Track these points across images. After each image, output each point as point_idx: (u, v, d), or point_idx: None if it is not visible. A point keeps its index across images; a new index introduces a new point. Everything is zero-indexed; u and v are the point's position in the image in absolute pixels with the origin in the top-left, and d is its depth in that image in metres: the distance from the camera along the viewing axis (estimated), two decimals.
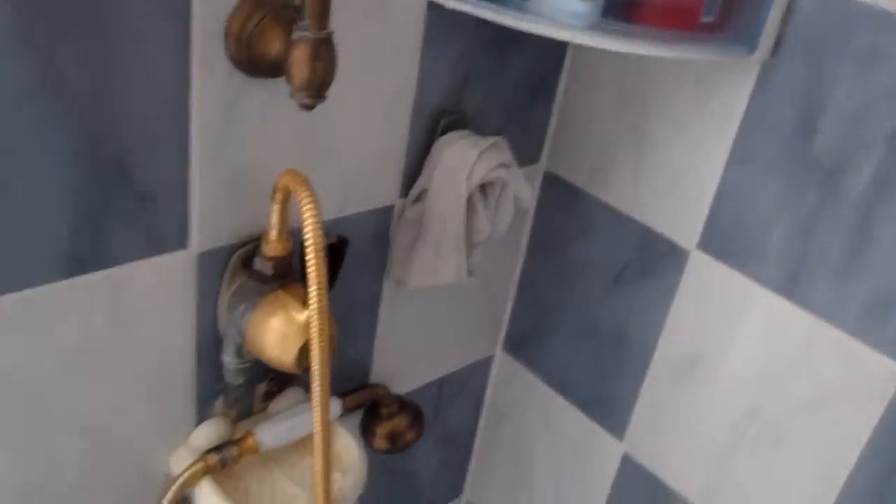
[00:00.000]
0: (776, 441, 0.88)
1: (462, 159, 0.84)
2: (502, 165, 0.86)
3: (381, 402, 0.97)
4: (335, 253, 0.79)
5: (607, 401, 1.05)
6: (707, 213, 0.88)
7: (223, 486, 0.82)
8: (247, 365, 0.80)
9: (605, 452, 1.06)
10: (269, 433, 0.84)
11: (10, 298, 0.65)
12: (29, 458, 0.73)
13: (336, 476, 0.85)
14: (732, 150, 0.85)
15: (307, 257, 0.68)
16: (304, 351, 0.74)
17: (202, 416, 0.85)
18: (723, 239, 0.88)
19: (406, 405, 0.99)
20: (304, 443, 0.90)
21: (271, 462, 0.88)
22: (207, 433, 0.84)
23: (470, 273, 0.89)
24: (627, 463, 1.04)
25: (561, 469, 1.13)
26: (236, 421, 0.88)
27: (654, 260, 0.95)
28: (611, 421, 1.05)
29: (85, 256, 0.67)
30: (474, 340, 1.13)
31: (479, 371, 1.16)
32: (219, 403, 0.85)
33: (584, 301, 1.04)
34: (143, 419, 0.79)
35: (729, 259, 0.88)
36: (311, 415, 0.75)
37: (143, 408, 0.79)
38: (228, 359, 0.79)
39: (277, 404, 0.89)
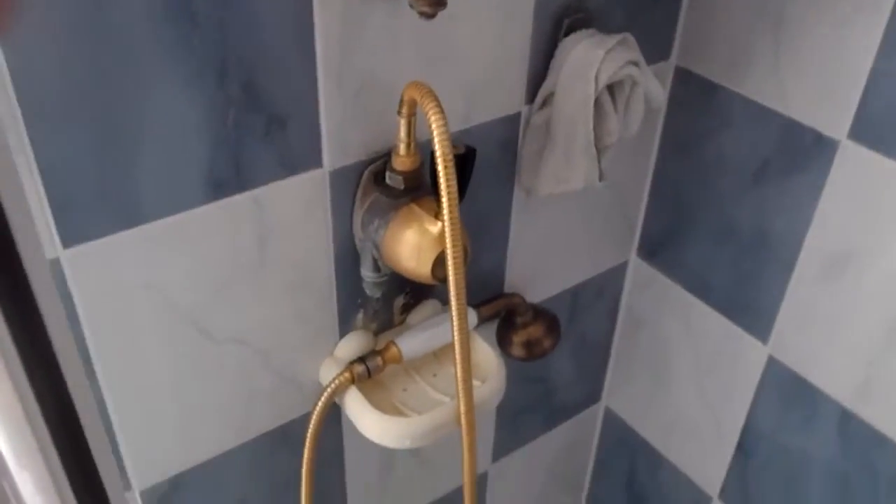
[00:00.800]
0: None
1: (588, 59, 0.81)
2: (631, 63, 0.83)
3: (516, 311, 0.98)
4: (464, 163, 0.78)
5: (750, 303, 1.01)
6: (858, 100, 0.82)
7: (369, 394, 0.85)
8: (384, 278, 0.82)
9: (749, 356, 1.03)
10: (410, 343, 0.86)
11: (163, 223, 0.69)
12: (189, 372, 0.78)
13: (476, 383, 0.87)
14: (888, 26, 0.77)
15: (437, 169, 0.68)
16: (440, 262, 0.75)
17: (345, 329, 0.88)
18: (877, 126, 0.81)
19: (541, 313, 1.00)
20: (444, 352, 0.92)
21: (413, 371, 0.91)
22: (351, 345, 0.87)
23: (601, 177, 0.87)
24: (773, 365, 1.01)
25: (702, 374, 1.11)
26: (377, 334, 0.91)
27: (799, 154, 0.89)
28: (754, 324, 1.02)
29: (226, 180, 0.70)
30: (608, 247, 1.11)
31: (613, 277, 1.15)
32: (360, 317, 0.88)
33: (721, 201, 1.00)
34: (291, 333, 0.84)
35: (884, 148, 0.81)
36: (450, 324, 0.76)
37: (291, 322, 0.83)
38: (366, 273, 0.81)
39: (415, 316, 0.92)
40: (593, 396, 1.29)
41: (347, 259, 0.82)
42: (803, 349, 0.97)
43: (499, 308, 0.96)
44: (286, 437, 0.91)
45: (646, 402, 1.23)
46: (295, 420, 0.90)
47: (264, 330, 0.81)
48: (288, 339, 0.84)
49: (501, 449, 1.20)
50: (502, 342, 1.00)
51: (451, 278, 0.73)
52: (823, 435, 0.98)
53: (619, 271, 1.15)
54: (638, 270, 1.15)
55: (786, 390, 1.00)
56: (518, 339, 0.99)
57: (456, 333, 0.77)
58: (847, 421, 0.94)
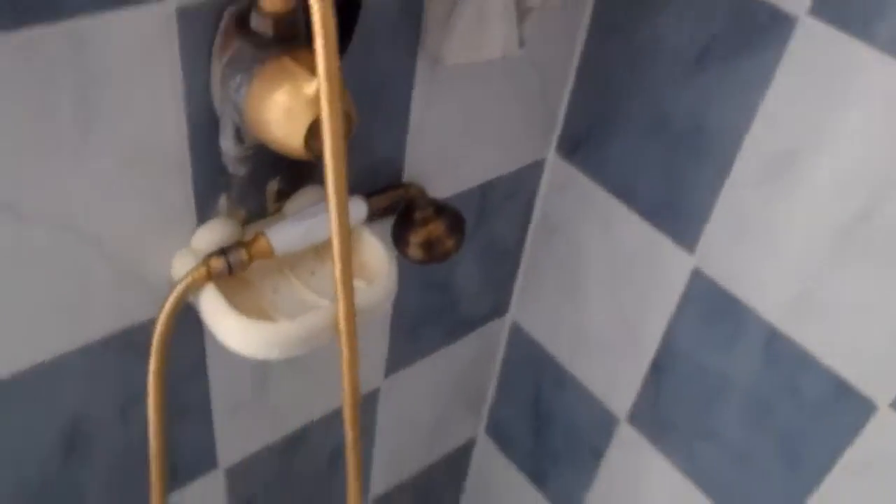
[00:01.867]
0: (889, 256, 0.73)
1: None
2: None
3: (414, 205, 0.84)
4: (348, 6, 0.63)
5: (678, 208, 0.90)
6: None
7: (232, 294, 0.71)
8: (249, 152, 0.67)
9: (673, 267, 0.93)
10: (283, 234, 0.72)
11: None
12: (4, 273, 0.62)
13: (360, 284, 0.74)
14: None
15: (311, 6, 0.52)
16: (315, 131, 0.60)
17: (205, 217, 0.73)
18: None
19: (444, 209, 0.86)
20: (325, 249, 0.78)
21: (287, 269, 0.77)
22: (211, 234, 0.72)
23: (521, 43, 0.72)
24: (698, 278, 0.91)
25: (619, 286, 1.01)
26: (246, 223, 0.76)
27: (749, 34, 0.77)
28: (681, 232, 0.91)
29: (33, 3, 0.53)
30: (524, 140, 0.98)
31: (529, 176, 1.02)
32: (223, 202, 0.73)
33: (656, 89, 0.87)
34: (132, 218, 0.68)
35: (850, 26, 0.69)
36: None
37: (132, 204, 0.67)
38: (227, 144, 0.66)
39: (293, 205, 0.77)
40: (500, 309, 1.18)
41: (205, 127, 0.66)
42: (733, 262, 0.87)
43: (393, 199, 0.82)
44: (132, 344, 0.76)
45: (556, 316, 1.12)
46: (143, 323, 0.75)
47: (96, 213, 0.65)
48: (128, 226, 0.68)
49: (396, 363, 1.08)
50: (399, 242, 0.86)
51: (328, 151, 0.58)
52: (747, 355, 0.89)
53: (535, 169, 1.02)
54: (556, 169, 1.02)
55: (709, 306, 0.91)
56: (416, 238, 0.85)
57: (334, 221, 0.63)
58: (774, 341, 0.86)
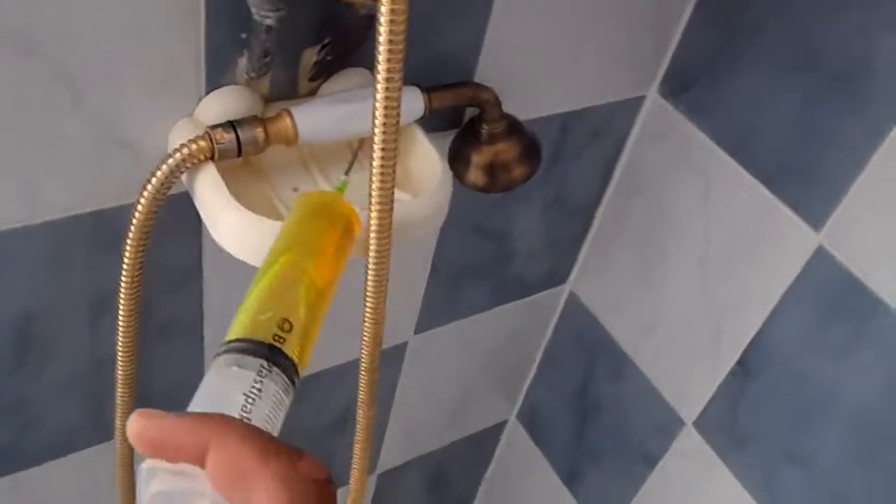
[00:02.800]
0: None
1: None
2: None
3: (483, 116, 0.67)
4: None
5: (809, 172, 0.72)
6: None
7: (238, 182, 0.55)
8: None
9: (790, 244, 0.75)
10: (313, 116, 0.56)
11: None
12: None
13: (403, 196, 0.57)
14: None
15: None
16: None
17: (216, 82, 0.57)
18: None
19: (518, 128, 0.69)
20: (365, 147, 0.62)
21: (314, 166, 0.61)
22: (222, 105, 0.56)
23: None
24: (821, 262, 0.72)
25: (713, 263, 0.83)
26: (269, 100, 0.60)
27: None
28: (808, 201, 0.73)
29: None
30: (622, 69, 0.80)
31: (620, 115, 0.84)
32: (241, 65, 0.57)
33: (807, 18, 0.69)
34: (123, 70, 0.52)
35: None
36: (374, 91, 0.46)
37: (123, 51, 0.51)
38: None
39: (331, 87, 0.61)
40: (558, 276, 1.01)
41: None
42: (873, 246, 0.69)
43: (459, 99, 0.65)
44: (109, 230, 0.60)
45: (625, 292, 0.95)
46: (124, 207, 0.59)
47: (71, 43, 0.49)
48: (114, 71, 0.52)
49: (430, 318, 0.92)
50: (456, 161, 0.70)
51: None
52: (871, 365, 0.71)
53: (629, 107, 0.84)
54: (655, 111, 0.84)
55: (830, 298, 0.73)
56: (480, 157, 0.68)
57: (380, 103, 0.46)
58: None
